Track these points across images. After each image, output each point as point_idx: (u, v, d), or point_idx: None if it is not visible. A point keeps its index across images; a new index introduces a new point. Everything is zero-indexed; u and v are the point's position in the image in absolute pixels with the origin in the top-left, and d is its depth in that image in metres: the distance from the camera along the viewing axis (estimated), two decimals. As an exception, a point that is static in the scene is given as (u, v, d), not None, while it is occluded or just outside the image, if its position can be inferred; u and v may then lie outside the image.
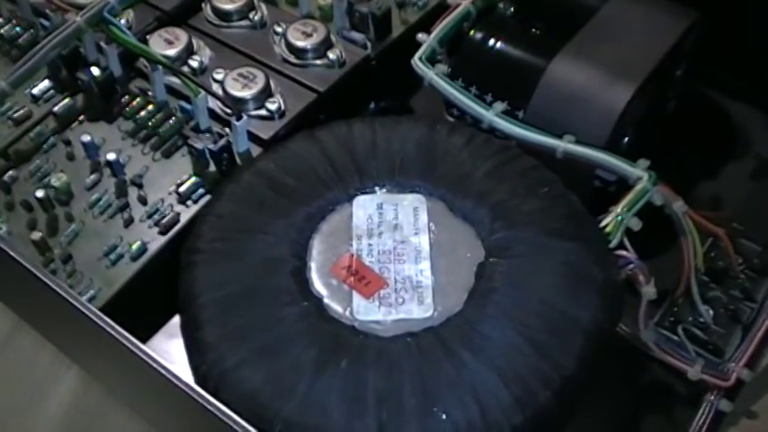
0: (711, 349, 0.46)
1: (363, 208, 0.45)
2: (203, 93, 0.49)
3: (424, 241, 0.44)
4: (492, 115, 0.48)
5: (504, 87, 0.51)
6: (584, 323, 0.41)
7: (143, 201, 0.49)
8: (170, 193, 0.49)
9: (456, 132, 0.47)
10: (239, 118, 0.48)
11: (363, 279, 0.43)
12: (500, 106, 0.49)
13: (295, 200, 0.45)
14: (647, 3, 0.53)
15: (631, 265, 0.44)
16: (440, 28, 0.51)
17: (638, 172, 0.46)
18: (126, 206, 0.49)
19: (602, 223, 0.45)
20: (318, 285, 0.42)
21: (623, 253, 0.44)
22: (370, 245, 0.44)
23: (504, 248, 0.43)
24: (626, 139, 0.49)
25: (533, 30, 0.54)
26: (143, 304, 0.45)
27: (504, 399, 0.39)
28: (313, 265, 0.43)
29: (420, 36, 0.51)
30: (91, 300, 0.46)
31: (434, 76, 0.50)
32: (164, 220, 0.48)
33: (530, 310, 0.41)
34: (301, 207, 0.45)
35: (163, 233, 0.48)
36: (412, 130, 0.47)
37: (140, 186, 0.49)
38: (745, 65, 0.56)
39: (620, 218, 0.45)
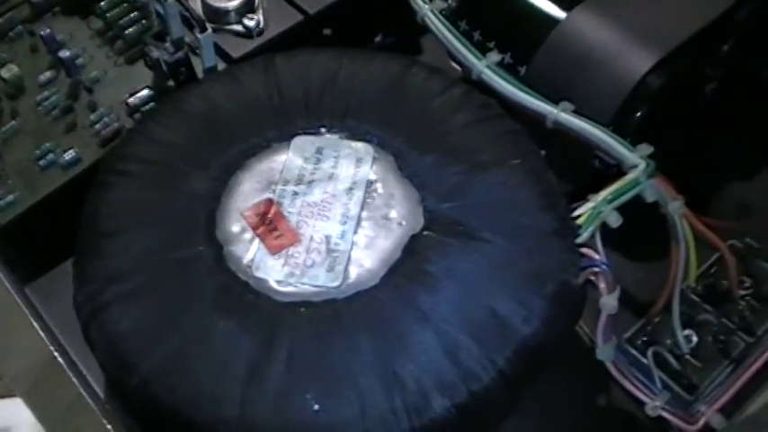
0: (685, 384, 0.39)
1: (301, 150, 0.39)
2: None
3: (356, 199, 0.38)
4: (482, 65, 0.42)
5: (510, 36, 0.44)
6: (517, 329, 0.35)
7: (92, 107, 0.45)
8: (120, 104, 0.44)
9: (433, 79, 0.41)
10: (203, 30, 0.43)
11: (275, 231, 0.37)
12: (495, 57, 0.42)
13: (230, 131, 0.40)
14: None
15: (594, 268, 0.36)
16: (448, -42, 0.44)
17: (635, 158, 0.39)
18: (71, 109, 0.44)
19: (576, 212, 0.38)
20: (223, 230, 0.37)
21: (589, 252, 0.37)
22: (295, 193, 0.38)
23: (449, 224, 0.37)
24: (638, 117, 0.41)
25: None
26: (64, 222, 0.41)
27: (393, 402, 0.33)
28: (225, 207, 0.38)
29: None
30: (9, 205, 0.42)
31: (429, 12, 0.43)
32: (104, 131, 0.43)
33: (452, 302, 0.35)
34: (235, 140, 0.39)
35: (102, 145, 0.43)
36: (382, 68, 0.41)
37: (90, 91, 0.45)
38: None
39: (597, 210, 0.37)
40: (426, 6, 0.43)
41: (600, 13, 0.43)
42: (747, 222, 0.45)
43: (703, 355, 0.40)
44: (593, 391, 0.40)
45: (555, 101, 0.41)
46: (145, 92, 0.45)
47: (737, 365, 0.39)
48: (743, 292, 0.41)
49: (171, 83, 0.45)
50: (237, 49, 0.45)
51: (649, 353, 0.39)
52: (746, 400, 0.40)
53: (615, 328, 0.37)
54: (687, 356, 0.39)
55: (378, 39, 0.49)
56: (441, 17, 0.43)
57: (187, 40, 0.45)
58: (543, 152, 0.41)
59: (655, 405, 0.37)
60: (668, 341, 0.40)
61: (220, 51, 0.45)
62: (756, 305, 0.40)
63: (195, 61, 0.44)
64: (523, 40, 0.43)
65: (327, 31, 0.49)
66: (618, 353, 0.37)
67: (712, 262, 0.41)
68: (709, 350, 0.40)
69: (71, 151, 0.44)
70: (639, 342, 0.40)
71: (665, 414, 0.37)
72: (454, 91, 0.41)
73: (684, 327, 0.40)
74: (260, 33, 0.46)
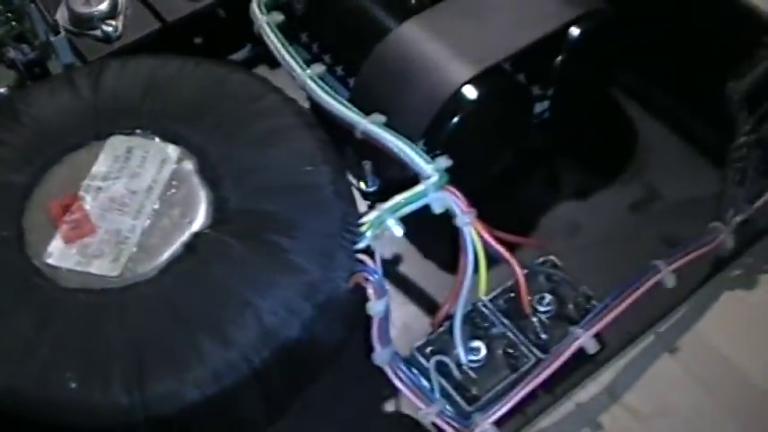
0: (467, 394, 0.39)
1: (113, 149, 0.41)
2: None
3: (153, 197, 0.40)
4: (305, 76, 0.43)
5: (343, 49, 0.46)
6: (278, 330, 0.36)
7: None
8: (-20, 101, 0.47)
9: (251, 85, 0.43)
10: (56, 34, 0.46)
11: (74, 222, 0.39)
12: (318, 68, 0.44)
13: (55, 130, 0.42)
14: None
15: (365, 274, 0.38)
16: (291, -27, 0.46)
17: (430, 170, 0.40)
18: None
19: (363, 219, 0.39)
20: (28, 217, 0.40)
21: (365, 258, 0.38)
22: (100, 188, 0.40)
23: (227, 222, 0.39)
24: (452, 130, 0.42)
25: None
26: None
27: (136, 392, 0.35)
28: (35, 198, 0.40)
29: (268, -23, 0.46)
30: None
31: (264, 23, 0.45)
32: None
33: (212, 301, 0.37)
34: (59, 138, 0.42)
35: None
36: (206, 74, 0.43)
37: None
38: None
39: (380, 218, 0.39)
40: (263, 18, 0.45)
41: (426, 28, 0.44)
42: (576, 240, 0.46)
43: (491, 368, 0.40)
44: (380, 396, 0.41)
45: (380, 111, 0.42)
46: (2, 90, 0.47)
47: (521, 380, 0.39)
48: (542, 309, 0.42)
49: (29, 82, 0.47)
50: (94, 52, 0.48)
51: (432, 362, 0.40)
52: (538, 415, 0.41)
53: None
54: (472, 367, 0.40)
55: (247, 49, 0.51)
56: (275, 29, 0.45)
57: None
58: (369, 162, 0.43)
59: (426, 412, 0.38)
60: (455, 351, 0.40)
61: (79, 54, 0.47)
62: (550, 323, 0.41)
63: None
64: (354, 53, 0.45)
65: (198, 40, 0.51)
66: (397, 359, 0.38)
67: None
68: (499, 363, 0.41)
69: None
70: (428, 351, 0.41)
71: (437, 422, 0.38)
72: (270, 97, 0.42)
73: (480, 339, 0.41)
74: (118, 38, 0.48)
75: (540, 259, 0.43)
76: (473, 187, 0.43)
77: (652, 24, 0.47)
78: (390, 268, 0.45)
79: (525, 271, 0.41)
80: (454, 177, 0.41)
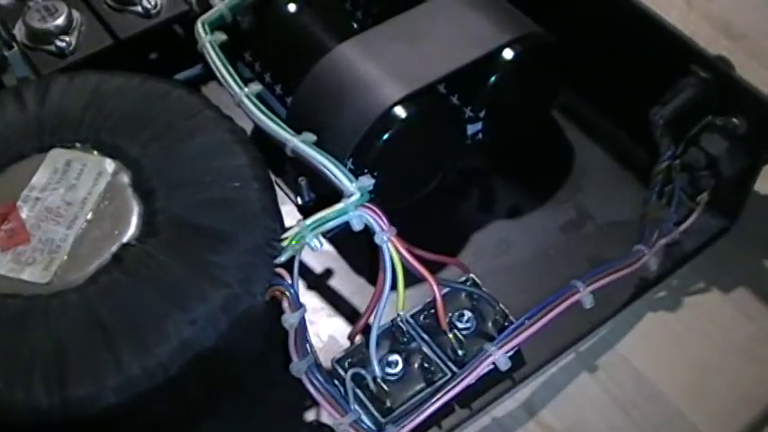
0: (382, 406, 0.41)
1: (54, 161, 0.44)
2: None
3: (87, 208, 0.42)
4: (242, 94, 0.45)
5: (282, 68, 0.47)
6: (187, 337, 0.38)
7: None
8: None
9: (189, 101, 0.45)
10: (9, 48, 0.48)
11: (10, 230, 0.42)
12: (255, 87, 0.46)
13: (2, 142, 0.44)
14: (478, 6, 0.47)
15: (281, 288, 0.40)
16: (236, -7, 0.48)
17: (351, 188, 0.42)
18: None
19: (286, 234, 0.41)
20: (-33, 226, 0.42)
21: (283, 273, 0.40)
22: (38, 199, 0.42)
23: (156, 234, 0.41)
24: (379, 149, 0.44)
25: (353, 7, 0.50)
26: None
27: (54, 392, 0.37)
28: (-23, 208, 0.42)
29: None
30: None
31: (207, 42, 0.47)
32: None
33: (129, 309, 0.39)
34: (4, 150, 0.44)
35: None
36: (149, 90, 0.45)
37: None
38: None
39: (300, 234, 0.41)
40: (206, 37, 0.47)
41: (362, 49, 0.46)
42: (506, 258, 0.47)
43: (407, 381, 0.42)
44: (302, 406, 0.43)
45: (314, 130, 0.44)
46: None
47: (435, 393, 0.41)
48: (461, 326, 0.43)
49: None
50: (48, 66, 0.50)
51: (348, 374, 0.41)
52: (454, 429, 0.42)
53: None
54: (388, 380, 0.41)
55: (200, 66, 0.53)
56: (216, 48, 0.47)
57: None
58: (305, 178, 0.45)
59: (341, 422, 0.40)
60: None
61: (34, 68, 0.50)
62: (469, 340, 0.43)
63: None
64: (292, 73, 0.47)
65: (153, 56, 0.53)
66: (315, 370, 0.40)
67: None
68: (414, 377, 0.42)
69: None
70: (347, 363, 0.42)
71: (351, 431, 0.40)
72: (206, 114, 0.44)
73: (398, 352, 0.43)
74: (72, 53, 0.50)
75: (462, 277, 0.44)
76: (403, 205, 0.45)
77: (587, 49, 0.49)
78: (321, 281, 0.46)
79: (445, 289, 0.42)
80: (384, 195, 0.43)
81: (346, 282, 0.47)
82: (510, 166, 0.51)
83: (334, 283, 0.47)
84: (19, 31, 0.51)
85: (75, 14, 0.51)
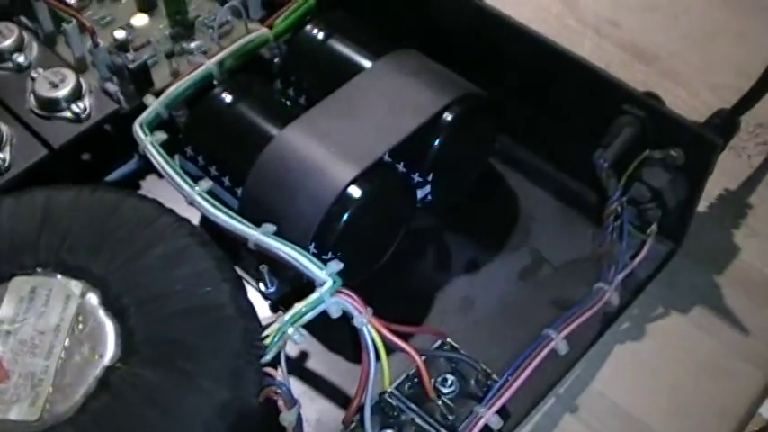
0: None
1: (17, 290, 0.44)
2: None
3: (62, 335, 0.42)
4: (194, 193, 0.46)
5: (227, 160, 0.48)
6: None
7: None
8: None
9: (144, 209, 0.46)
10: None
11: (-13, 370, 0.42)
12: (206, 184, 0.47)
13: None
14: (411, 72, 0.49)
15: (274, 387, 0.41)
16: (170, 91, 0.49)
17: (323, 276, 0.43)
18: None
19: (267, 332, 0.42)
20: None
21: (272, 372, 0.41)
22: (8, 332, 0.43)
23: (136, 353, 0.41)
24: (340, 232, 0.45)
25: (284, 85, 0.51)
26: None
27: None
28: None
29: (147, 98, 0.49)
30: None
31: (148, 144, 0.48)
32: None
33: (123, 430, 0.40)
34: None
35: None
36: (99, 202, 0.46)
37: None
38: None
39: (281, 330, 0.42)
40: (146, 139, 0.48)
41: (305, 133, 0.47)
42: (471, 315, 0.49)
43: (403, 453, 0.44)
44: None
45: (269, 219, 0.45)
46: None
47: (433, 462, 0.43)
48: (446, 391, 0.45)
49: None
50: (-16, 188, 0.50)
51: (346, 456, 0.43)
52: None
53: None
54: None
55: (135, 160, 0.54)
56: (159, 148, 0.47)
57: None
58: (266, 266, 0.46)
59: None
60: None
61: (-30, 190, 0.50)
62: (456, 403, 0.44)
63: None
64: (238, 164, 0.48)
65: (86, 157, 0.53)
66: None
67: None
68: (410, 449, 0.44)
69: None
70: (341, 442, 0.44)
71: None
72: (163, 221, 0.45)
73: (390, 427, 0.44)
74: (8, 170, 0.50)
75: (438, 342, 0.46)
76: (365, 277, 0.47)
77: (520, 97, 0.51)
78: (298, 365, 0.48)
79: (423, 357, 0.44)
80: (347, 273, 0.45)
81: (322, 362, 0.48)
82: (460, 221, 0.52)
83: (310, 364, 0.48)
84: (-51, 154, 0.51)
85: (4, 128, 0.51)
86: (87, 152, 0.53)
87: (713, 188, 0.54)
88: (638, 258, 0.49)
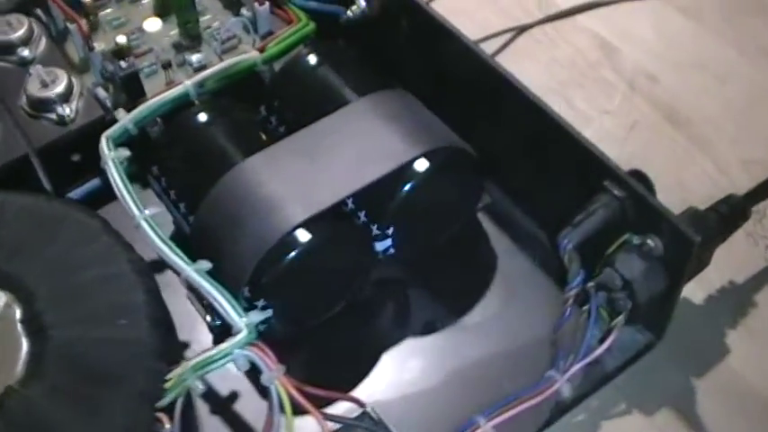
0: None
1: (-55, 293, 0.44)
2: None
3: (-22, 349, 0.42)
4: (140, 218, 0.45)
5: (185, 186, 0.47)
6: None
7: None
8: None
9: (85, 228, 0.45)
10: None
11: None
12: (153, 210, 0.46)
13: None
14: (391, 115, 0.47)
15: (162, 433, 0.40)
16: (142, 108, 0.48)
17: (240, 324, 0.42)
18: None
19: (169, 375, 0.41)
20: None
21: (161, 417, 0.40)
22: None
23: (37, 377, 0.41)
24: (276, 276, 0.44)
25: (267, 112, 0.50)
26: None
27: None
28: None
29: (118, 112, 0.48)
30: None
31: (109, 159, 0.47)
32: None
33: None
34: None
35: None
36: (44, 216, 0.46)
37: None
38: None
39: (183, 377, 0.41)
40: (108, 154, 0.47)
41: (264, 167, 0.46)
42: (409, 385, 0.47)
43: None
44: None
45: (214, 253, 0.44)
46: None
47: None
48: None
49: None
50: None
51: None
52: None
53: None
54: None
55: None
56: (118, 166, 0.47)
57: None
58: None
59: None
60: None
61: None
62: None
63: None
64: (195, 191, 0.46)
65: (77, 157, 0.53)
66: None
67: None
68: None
69: None
70: None
71: None
72: (103, 241, 0.44)
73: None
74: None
75: (359, 411, 0.44)
76: (309, 328, 0.45)
77: (520, 159, 0.49)
78: (228, 405, 0.46)
79: (338, 426, 0.42)
80: (287, 321, 0.43)
81: (252, 403, 0.46)
82: (433, 279, 0.50)
83: (238, 406, 0.46)
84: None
85: (-8, 122, 0.51)
86: (76, 154, 0.53)
87: (715, 278, 0.49)
88: (600, 350, 0.45)
